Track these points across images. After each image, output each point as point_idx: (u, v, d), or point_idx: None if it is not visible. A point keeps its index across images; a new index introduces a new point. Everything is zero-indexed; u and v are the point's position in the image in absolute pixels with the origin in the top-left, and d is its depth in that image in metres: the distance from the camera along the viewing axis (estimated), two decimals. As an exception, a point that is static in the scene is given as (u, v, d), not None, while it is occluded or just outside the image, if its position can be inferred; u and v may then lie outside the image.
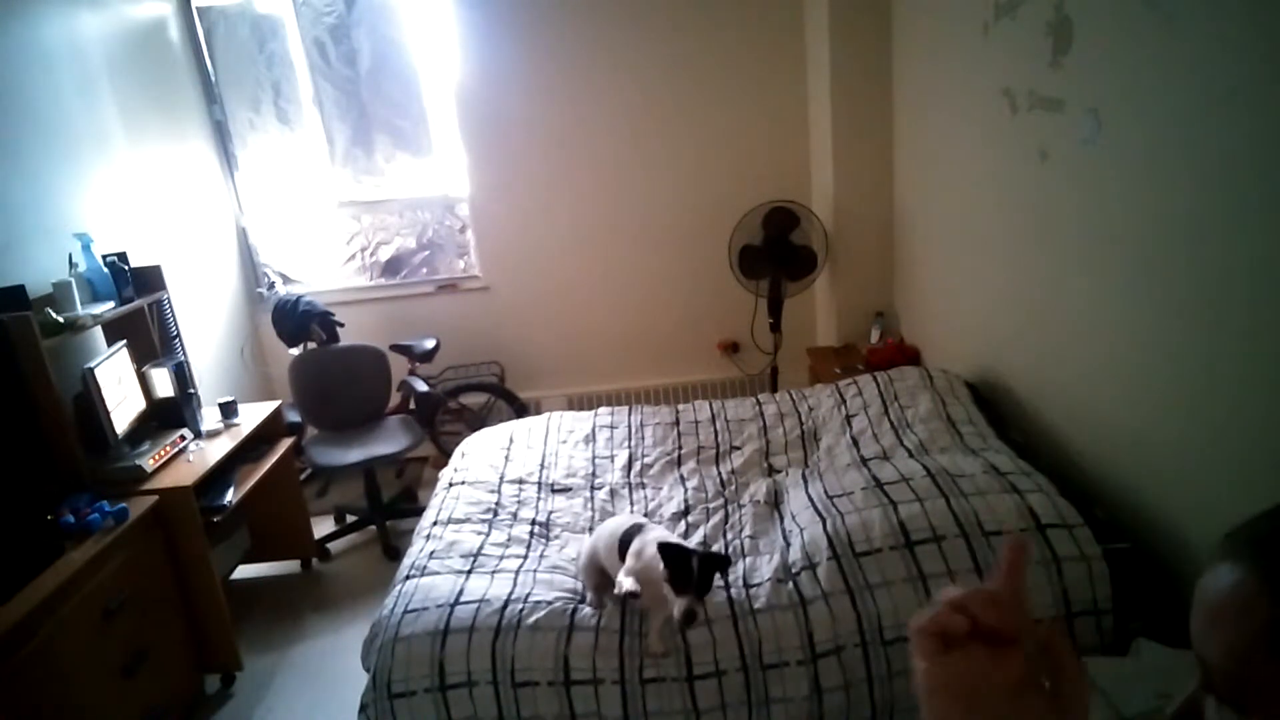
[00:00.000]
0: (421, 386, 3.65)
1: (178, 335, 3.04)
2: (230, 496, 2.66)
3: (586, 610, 1.91)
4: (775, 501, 2.35)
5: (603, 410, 3.08)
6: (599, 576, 2.00)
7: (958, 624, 0.44)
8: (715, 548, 2.18)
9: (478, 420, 3.93)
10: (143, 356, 2.82)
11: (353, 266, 4.19)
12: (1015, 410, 2.59)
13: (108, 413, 2.47)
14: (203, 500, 2.55)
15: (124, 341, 2.72)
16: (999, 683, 0.44)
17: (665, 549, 1.80)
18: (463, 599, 1.95)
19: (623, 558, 1.93)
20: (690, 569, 1.77)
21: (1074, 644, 1.77)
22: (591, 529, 2.31)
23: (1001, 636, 0.44)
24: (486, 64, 3.78)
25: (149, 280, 2.89)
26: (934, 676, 0.45)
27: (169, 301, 2.97)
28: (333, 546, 3.49)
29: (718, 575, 1.89)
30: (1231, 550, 0.53)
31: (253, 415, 3.01)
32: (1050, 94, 2.18)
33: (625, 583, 1.84)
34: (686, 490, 2.50)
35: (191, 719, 2.52)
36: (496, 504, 2.47)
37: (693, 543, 2.21)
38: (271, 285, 4.07)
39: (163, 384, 2.81)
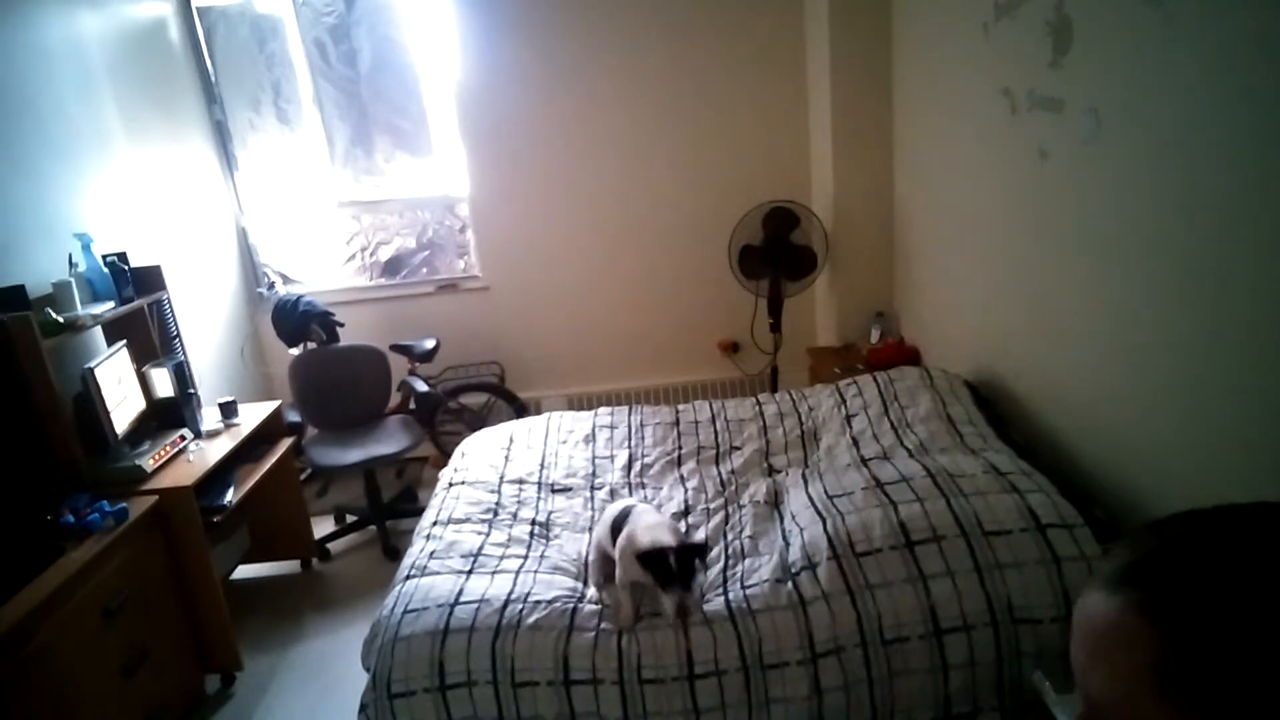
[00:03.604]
0: (421, 386, 3.65)
1: (178, 335, 3.04)
2: (230, 496, 2.66)
3: (587, 609, 1.91)
4: (775, 501, 2.35)
5: (603, 410, 3.08)
6: (609, 566, 2.02)
7: None
8: (715, 549, 2.18)
9: (478, 420, 3.93)
10: (143, 356, 2.82)
11: (353, 266, 4.19)
12: (1015, 410, 2.59)
13: (108, 413, 2.47)
14: (203, 500, 2.55)
15: (124, 341, 2.72)
16: None
17: (643, 558, 1.83)
18: (463, 599, 1.95)
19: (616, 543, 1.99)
20: (669, 567, 1.81)
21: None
22: (591, 529, 2.31)
23: None
24: (486, 64, 3.78)
25: (149, 280, 2.89)
26: None
27: (169, 301, 2.97)
28: (333, 546, 3.49)
29: (698, 562, 1.94)
30: (1109, 576, 0.48)
31: (253, 415, 3.01)
32: (1050, 94, 2.18)
33: (619, 594, 1.89)
34: (686, 490, 2.50)
35: (191, 719, 2.52)
36: (496, 504, 2.47)
37: (689, 531, 2.22)
38: (271, 285, 4.07)
39: (163, 384, 2.81)
